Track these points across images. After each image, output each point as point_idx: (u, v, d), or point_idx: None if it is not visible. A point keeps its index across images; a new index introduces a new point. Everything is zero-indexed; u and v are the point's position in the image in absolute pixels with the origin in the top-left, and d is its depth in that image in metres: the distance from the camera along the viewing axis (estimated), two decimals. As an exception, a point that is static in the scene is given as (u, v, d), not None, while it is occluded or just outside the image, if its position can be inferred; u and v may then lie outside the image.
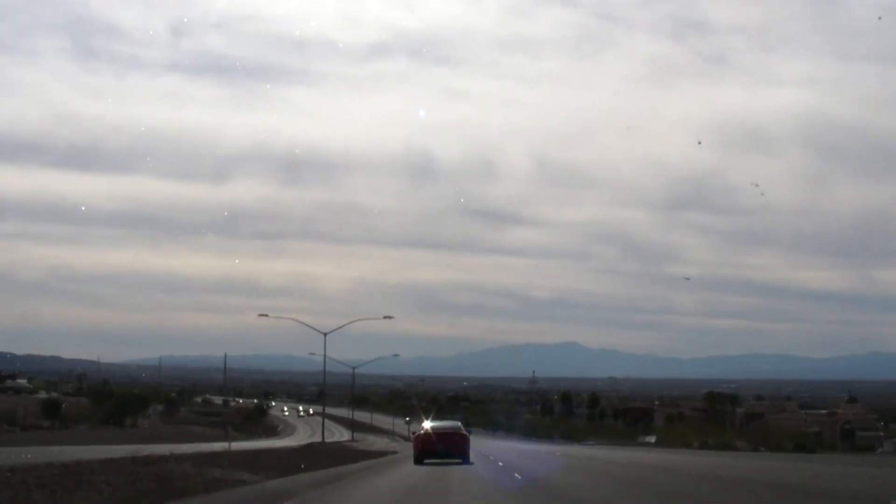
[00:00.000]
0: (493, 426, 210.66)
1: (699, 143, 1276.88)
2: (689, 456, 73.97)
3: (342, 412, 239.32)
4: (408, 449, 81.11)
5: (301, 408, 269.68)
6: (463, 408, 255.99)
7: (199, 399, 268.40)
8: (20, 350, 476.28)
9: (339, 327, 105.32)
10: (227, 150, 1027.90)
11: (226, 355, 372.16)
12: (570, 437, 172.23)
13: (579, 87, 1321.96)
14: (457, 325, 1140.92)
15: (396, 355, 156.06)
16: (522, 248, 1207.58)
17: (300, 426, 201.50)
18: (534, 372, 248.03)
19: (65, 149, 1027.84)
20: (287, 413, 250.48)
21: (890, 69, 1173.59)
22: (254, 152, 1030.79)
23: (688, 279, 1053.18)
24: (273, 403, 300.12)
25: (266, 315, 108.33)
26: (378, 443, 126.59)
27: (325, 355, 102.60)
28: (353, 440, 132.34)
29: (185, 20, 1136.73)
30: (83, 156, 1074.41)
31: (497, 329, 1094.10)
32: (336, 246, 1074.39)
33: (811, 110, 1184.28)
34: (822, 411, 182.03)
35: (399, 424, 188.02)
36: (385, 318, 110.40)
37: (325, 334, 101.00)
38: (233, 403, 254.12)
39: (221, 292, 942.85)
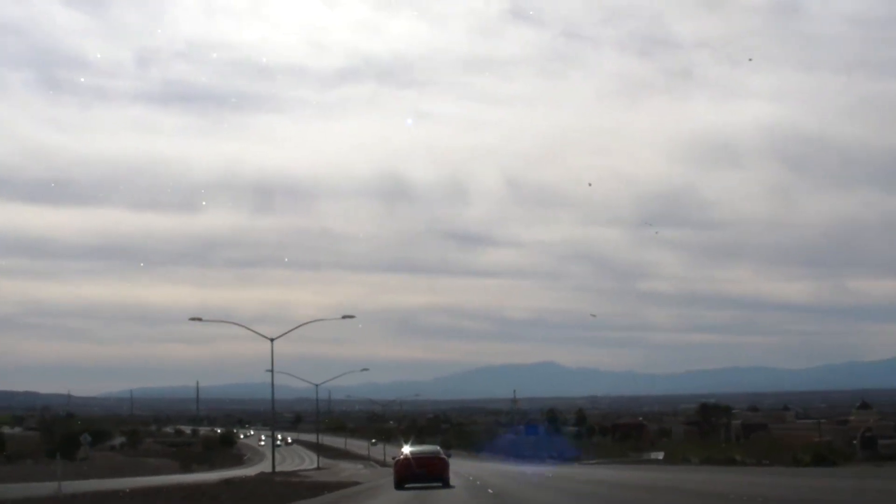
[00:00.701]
0: (476, 447, 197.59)
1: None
2: (725, 474, 62.01)
3: (322, 438, 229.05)
4: (379, 477, 73.45)
5: (280, 436, 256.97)
6: (443, 430, 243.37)
7: (170, 429, 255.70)
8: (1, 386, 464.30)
9: (288, 331, 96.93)
10: (197, 178, 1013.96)
11: (198, 384, 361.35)
12: (563, 456, 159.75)
13: (548, 107, 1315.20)
14: (434, 348, 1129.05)
15: (365, 369, 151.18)
16: (497, 269, 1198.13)
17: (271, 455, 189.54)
18: (514, 391, 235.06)
19: (33, 182, 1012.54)
20: (263, 441, 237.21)
21: (854, 78, 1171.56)
22: (224, 180, 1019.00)
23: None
24: (251, 432, 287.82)
25: (199, 319, 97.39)
26: (347, 470, 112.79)
27: (272, 363, 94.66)
28: (318, 468, 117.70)
29: (151, 49, 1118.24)
30: (52, 189, 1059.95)
31: (474, 351, 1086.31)
32: (311, 273, 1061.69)
33: (778, 122, 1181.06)
34: (822, 420, 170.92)
35: (375, 449, 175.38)
36: (344, 317, 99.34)
37: (272, 340, 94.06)
38: (203, 432, 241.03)
39: (196, 322, 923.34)
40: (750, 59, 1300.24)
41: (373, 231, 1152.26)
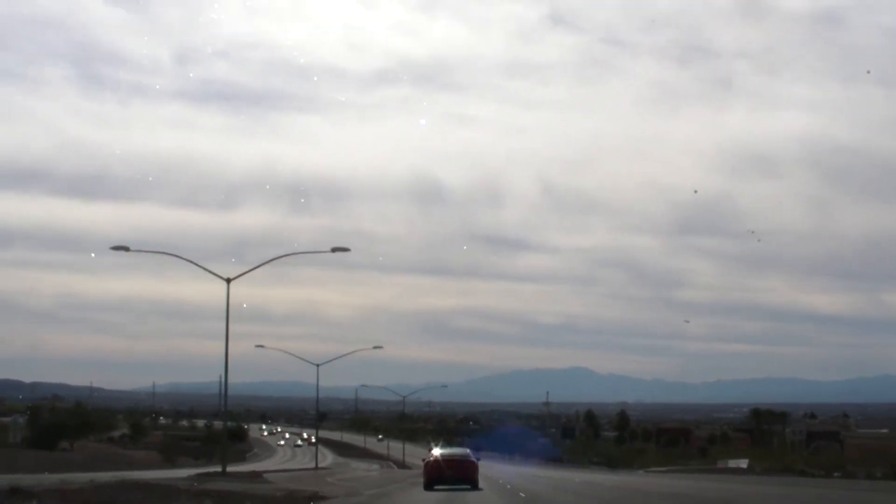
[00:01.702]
0: (509, 450, 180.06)
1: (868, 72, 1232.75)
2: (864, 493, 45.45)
3: (346, 436, 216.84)
4: (381, 485, 59.58)
5: (305, 434, 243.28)
6: (472, 431, 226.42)
7: (185, 423, 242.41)
8: (27, 378, 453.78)
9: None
10: (232, 177, 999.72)
11: (222, 378, 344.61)
12: (612, 463, 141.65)
13: (585, 113, 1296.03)
14: (465, 351, 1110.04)
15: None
16: (530, 273, 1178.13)
17: (282, 451, 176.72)
18: (547, 393, 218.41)
19: (70, 177, 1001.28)
20: (284, 440, 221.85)
21: (894, 91, 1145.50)
22: (260, 179, 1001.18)
23: (687, 322, 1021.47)
24: (267, 427, 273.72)
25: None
26: (354, 472, 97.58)
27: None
28: (317, 468, 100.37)
29: (190, 48, 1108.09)
30: (89, 184, 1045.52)
31: (505, 355, 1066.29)
32: (342, 273, 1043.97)
33: (817, 133, 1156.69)
34: (883, 430, 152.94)
35: (396, 449, 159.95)
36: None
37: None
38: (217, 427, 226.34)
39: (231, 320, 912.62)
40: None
41: (406, 233, 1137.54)
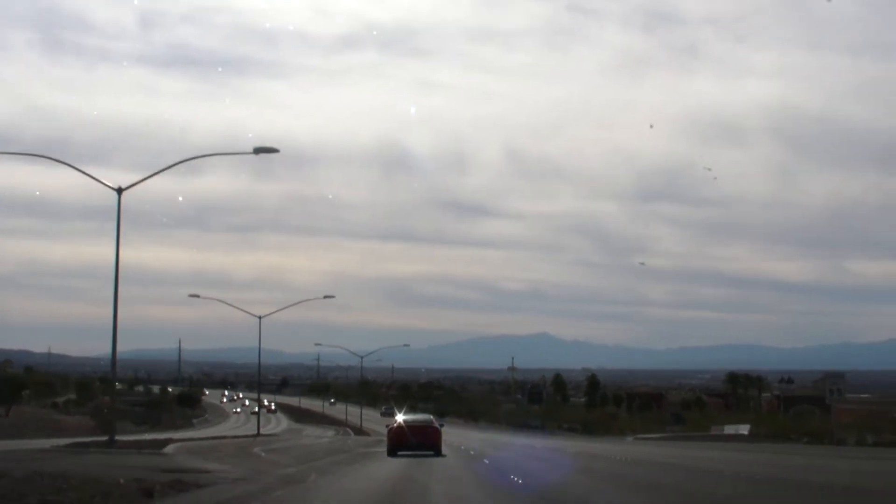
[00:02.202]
0: (474, 416, 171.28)
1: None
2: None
3: (305, 402, 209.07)
4: (315, 457, 49.45)
5: (266, 401, 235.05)
6: (436, 396, 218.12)
7: (141, 388, 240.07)
8: (4, 344, 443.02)
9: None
10: (197, 142, 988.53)
11: (180, 344, 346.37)
12: (588, 429, 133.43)
13: (551, 80, 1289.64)
14: (429, 317, 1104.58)
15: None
16: (495, 240, 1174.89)
17: (236, 418, 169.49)
18: (512, 359, 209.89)
19: (34, 142, 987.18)
20: (241, 407, 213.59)
21: (859, 59, 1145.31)
22: (225, 145, 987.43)
23: (642, 264, 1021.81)
24: (229, 393, 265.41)
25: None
26: (304, 439, 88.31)
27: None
28: (257, 436, 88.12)
29: (155, 12, 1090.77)
30: (53, 149, 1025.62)
31: (470, 321, 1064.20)
32: (308, 238, 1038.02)
33: (781, 101, 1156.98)
34: (864, 395, 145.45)
35: (355, 414, 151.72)
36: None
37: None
38: (173, 392, 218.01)
39: (193, 285, 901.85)
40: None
41: (371, 199, 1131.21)
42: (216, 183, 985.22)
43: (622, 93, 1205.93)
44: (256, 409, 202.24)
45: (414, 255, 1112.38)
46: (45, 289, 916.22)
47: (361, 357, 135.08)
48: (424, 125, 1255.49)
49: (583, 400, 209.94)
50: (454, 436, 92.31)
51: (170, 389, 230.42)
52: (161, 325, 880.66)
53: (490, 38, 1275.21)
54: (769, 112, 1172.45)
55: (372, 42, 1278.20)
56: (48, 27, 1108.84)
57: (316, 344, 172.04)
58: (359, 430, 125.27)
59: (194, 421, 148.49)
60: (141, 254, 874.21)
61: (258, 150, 53.21)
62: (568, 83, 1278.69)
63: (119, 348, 50.55)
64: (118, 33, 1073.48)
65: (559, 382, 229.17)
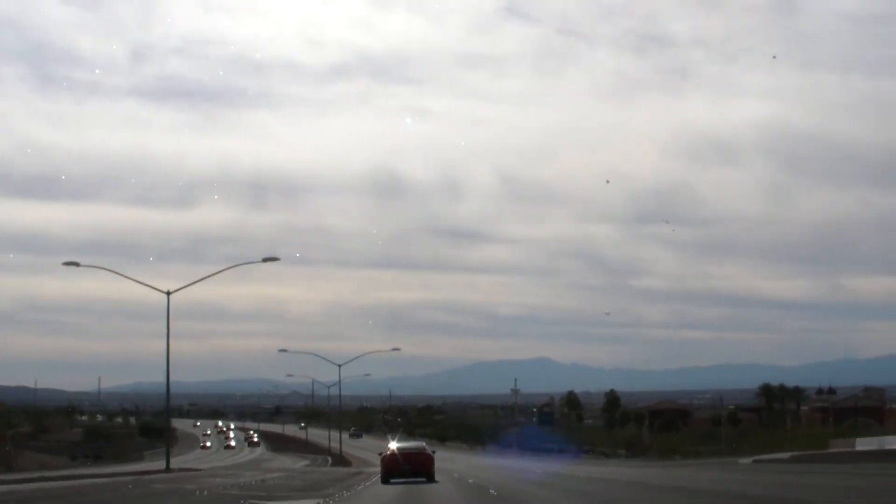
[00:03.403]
0: (479, 440, 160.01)
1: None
2: None
3: (290, 429, 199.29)
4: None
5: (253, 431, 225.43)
6: (436, 422, 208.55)
7: (119, 419, 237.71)
8: None
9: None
10: (190, 174, 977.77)
11: (167, 373, 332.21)
12: (639, 452, 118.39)
13: (543, 104, 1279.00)
14: (426, 344, 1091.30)
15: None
16: (490, 265, 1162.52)
17: (203, 447, 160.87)
18: (515, 380, 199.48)
19: (26, 177, 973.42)
20: (213, 437, 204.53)
21: (850, 77, 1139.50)
22: (217, 176, 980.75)
23: (607, 314, 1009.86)
24: (198, 424, 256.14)
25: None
26: (248, 473, 72.50)
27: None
28: (165, 472, 70.07)
29: (145, 45, 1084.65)
30: (45, 184, 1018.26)
31: (468, 347, 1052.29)
32: (304, 268, 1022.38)
33: (774, 120, 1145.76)
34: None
35: (352, 443, 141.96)
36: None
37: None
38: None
39: (189, 318, 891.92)
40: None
41: (366, 227, 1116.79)
42: (209, 215, 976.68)
43: (614, 115, 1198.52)
44: (230, 438, 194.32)
45: (409, 283, 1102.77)
46: (35, 324, 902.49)
47: (329, 387, 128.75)
48: (417, 152, 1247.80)
49: (589, 421, 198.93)
50: (462, 465, 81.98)
51: (132, 420, 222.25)
52: (159, 358, 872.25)
53: (481, 64, 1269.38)
54: (761, 131, 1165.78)
55: (363, 70, 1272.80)
56: (39, 61, 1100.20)
57: (288, 375, 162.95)
58: (339, 460, 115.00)
59: (146, 453, 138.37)
60: (138, 288, 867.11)
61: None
62: (560, 107, 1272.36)
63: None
64: (109, 67, 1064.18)
65: (573, 401, 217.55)
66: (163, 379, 73.62)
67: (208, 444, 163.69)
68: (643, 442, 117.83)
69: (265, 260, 65.96)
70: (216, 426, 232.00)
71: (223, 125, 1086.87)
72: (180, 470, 74.01)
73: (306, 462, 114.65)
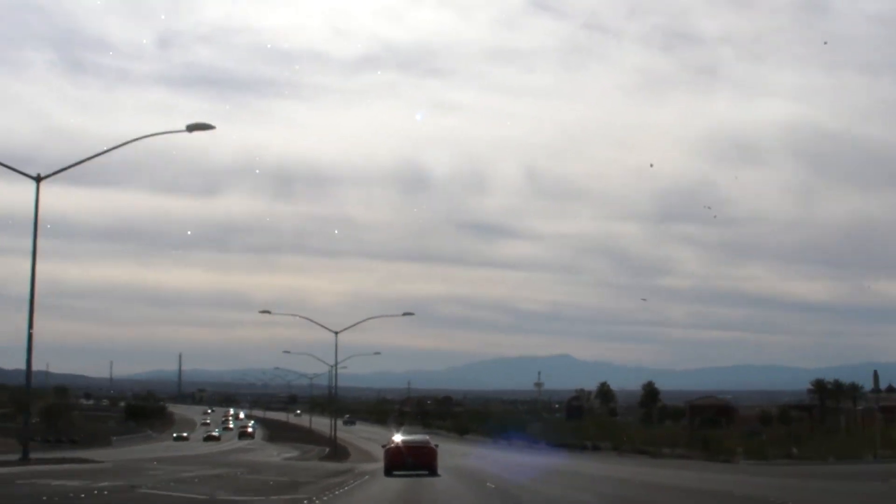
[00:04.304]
0: (502, 434, 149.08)
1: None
2: None
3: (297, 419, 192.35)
4: None
5: (242, 415, 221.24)
6: (456, 414, 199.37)
7: (122, 403, 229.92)
8: (9, 365, 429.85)
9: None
10: (217, 163, 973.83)
11: (180, 358, 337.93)
12: (714, 452, 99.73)
13: (569, 99, 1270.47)
14: (448, 338, 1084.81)
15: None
16: (514, 261, 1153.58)
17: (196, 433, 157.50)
18: (539, 373, 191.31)
19: (53, 162, 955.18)
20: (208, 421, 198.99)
21: (879, 79, 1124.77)
22: (244, 165, 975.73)
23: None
24: (211, 410, 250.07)
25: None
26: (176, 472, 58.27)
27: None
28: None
29: (174, 32, 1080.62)
30: (72, 169, 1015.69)
31: (489, 342, 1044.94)
32: (328, 260, 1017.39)
33: (801, 120, 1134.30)
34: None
35: (361, 431, 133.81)
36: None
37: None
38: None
39: (213, 307, 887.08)
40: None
41: (391, 220, 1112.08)
42: (235, 204, 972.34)
43: (641, 112, 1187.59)
44: (230, 425, 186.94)
45: (433, 276, 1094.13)
46: (58, 309, 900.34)
47: (331, 365, 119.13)
48: (443, 145, 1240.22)
49: (617, 417, 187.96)
50: (489, 465, 70.57)
51: (122, 404, 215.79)
52: (181, 346, 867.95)
53: (508, 58, 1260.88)
54: (788, 131, 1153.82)
55: (391, 62, 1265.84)
56: (68, 47, 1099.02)
57: (285, 351, 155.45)
58: (335, 451, 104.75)
59: (116, 438, 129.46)
60: (162, 276, 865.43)
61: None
62: (586, 103, 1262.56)
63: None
64: (137, 54, 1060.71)
65: (606, 393, 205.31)
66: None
67: (185, 434, 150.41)
68: (716, 441, 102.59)
69: (190, 128, 51.81)
70: (226, 414, 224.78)
71: (250, 114, 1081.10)
72: (76, 461, 58.88)
73: (295, 454, 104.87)
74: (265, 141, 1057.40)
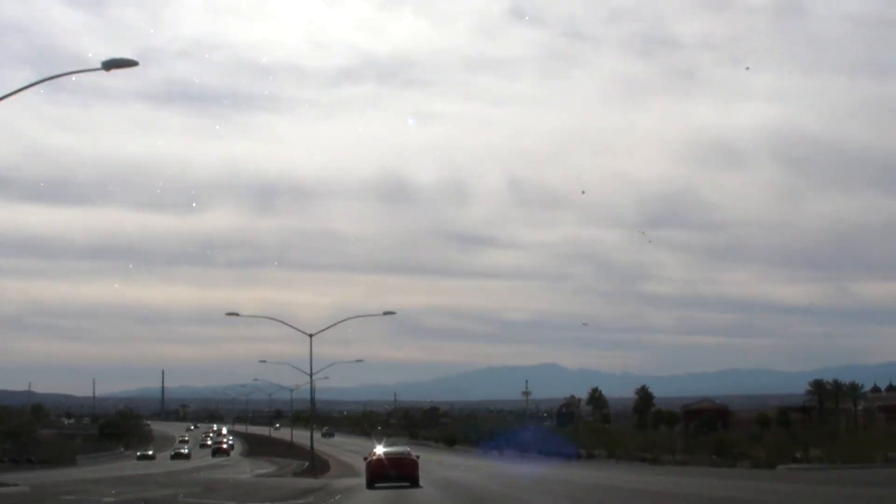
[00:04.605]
0: (492, 443, 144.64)
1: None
2: None
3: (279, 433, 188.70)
4: None
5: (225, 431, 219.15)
6: (443, 424, 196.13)
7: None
8: None
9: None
10: (197, 178, 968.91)
11: (163, 375, 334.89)
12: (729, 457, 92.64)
13: (550, 107, 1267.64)
14: (435, 349, 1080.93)
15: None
16: (498, 270, 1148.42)
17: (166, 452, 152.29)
18: (526, 382, 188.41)
19: (34, 182, 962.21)
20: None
21: (857, 80, 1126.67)
22: (225, 180, 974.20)
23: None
24: (193, 427, 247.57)
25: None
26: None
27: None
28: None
29: (152, 49, 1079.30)
30: (53, 188, 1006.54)
31: (475, 353, 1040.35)
32: (312, 273, 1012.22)
33: (781, 124, 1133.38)
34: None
35: (349, 444, 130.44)
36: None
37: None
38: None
39: (197, 323, 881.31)
40: (747, 68, 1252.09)
41: (374, 232, 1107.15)
42: (217, 219, 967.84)
43: (622, 118, 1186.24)
44: (208, 441, 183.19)
45: (418, 287, 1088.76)
46: (41, 328, 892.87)
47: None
48: (425, 155, 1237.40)
49: (605, 423, 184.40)
50: (482, 478, 65.90)
51: (89, 421, 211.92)
52: (165, 363, 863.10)
53: (488, 67, 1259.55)
54: (769, 134, 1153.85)
55: (370, 74, 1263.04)
56: (46, 65, 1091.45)
57: (261, 361, 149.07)
58: (313, 464, 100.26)
59: (82, 458, 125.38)
60: (145, 292, 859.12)
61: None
62: (567, 110, 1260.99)
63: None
64: (116, 70, 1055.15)
65: (598, 399, 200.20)
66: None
67: (149, 452, 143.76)
68: (731, 445, 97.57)
69: (106, 65, 44.08)
70: (208, 430, 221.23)
71: (230, 129, 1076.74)
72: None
73: (271, 469, 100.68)
74: (246, 155, 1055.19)
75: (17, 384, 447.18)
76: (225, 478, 76.00)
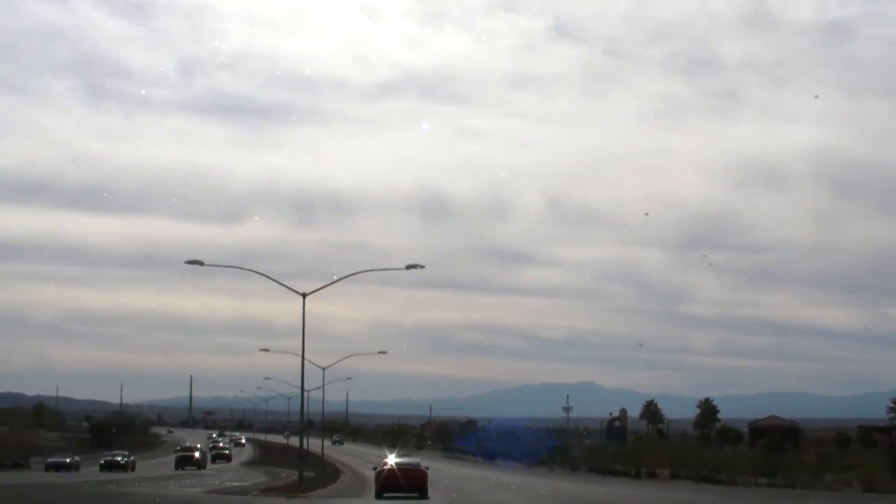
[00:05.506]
0: (537, 459, 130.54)
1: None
2: None
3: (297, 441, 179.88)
4: None
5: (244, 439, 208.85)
6: (479, 437, 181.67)
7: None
8: (30, 391, 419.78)
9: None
10: (237, 190, 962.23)
11: (191, 381, 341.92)
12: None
13: (590, 126, 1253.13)
14: (470, 366, 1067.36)
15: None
16: (536, 288, 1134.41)
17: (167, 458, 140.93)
18: (567, 397, 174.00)
19: (75, 189, 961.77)
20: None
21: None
22: (264, 192, 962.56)
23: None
24: (216, 434, 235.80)
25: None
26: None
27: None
28: None
29: (194, 59, 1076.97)
30: (94, 196, 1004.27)
31: (511, 370, 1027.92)
32: (347, 287, 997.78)
33: (824, 146, 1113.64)
34: None
35: (370, 454, 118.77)
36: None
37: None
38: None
39: (233, 333, 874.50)
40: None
41: (411, 247, 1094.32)
42: (256, 230, 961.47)
43: (662, 138, 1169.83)
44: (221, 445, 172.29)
45: (455, 303, 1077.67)
46: (81, 336, 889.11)
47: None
48: (464, 172, 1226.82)
49: (662, 439, 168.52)
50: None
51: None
52: (201, 372, 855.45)
53: (528, 84, 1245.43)
54: (811, 157, 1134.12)
55: (411, 89, 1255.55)
56: (89, 74, 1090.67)
57: (265, 378, 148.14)
58: (320, 474, 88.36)
59: (34, 459, 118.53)
60: (183, 301, 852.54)
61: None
62: (607, 129, 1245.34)
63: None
64: (158, 80, 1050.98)
65: (654, 413, 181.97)
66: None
67: (118, 458, 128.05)
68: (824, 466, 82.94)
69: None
70: (222, 436, 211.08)
71: (271, 141, 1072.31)
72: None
73: (257, 479, 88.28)
74: (285, 167, 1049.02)
75: (55, 390, 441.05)
76: (178, 492, 61.75)
